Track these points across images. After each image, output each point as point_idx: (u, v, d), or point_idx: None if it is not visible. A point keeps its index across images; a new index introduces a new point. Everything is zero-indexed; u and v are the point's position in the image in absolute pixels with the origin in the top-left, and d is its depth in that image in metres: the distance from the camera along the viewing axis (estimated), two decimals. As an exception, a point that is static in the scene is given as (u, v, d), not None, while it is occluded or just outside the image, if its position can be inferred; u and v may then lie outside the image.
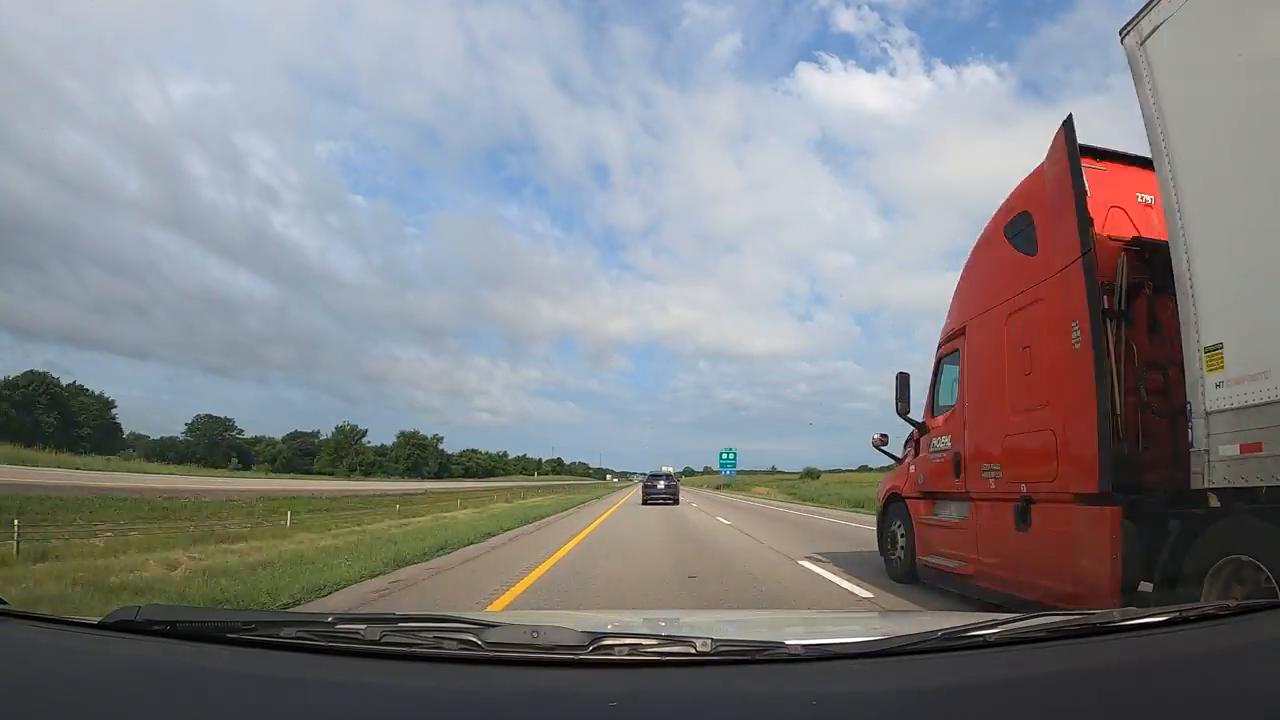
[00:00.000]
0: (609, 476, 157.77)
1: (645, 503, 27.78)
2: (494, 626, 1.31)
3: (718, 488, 60.18)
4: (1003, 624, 1.40)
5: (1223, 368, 3.74)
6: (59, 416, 61.32)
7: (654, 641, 1.32)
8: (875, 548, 8.44)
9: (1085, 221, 4.77)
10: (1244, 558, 3.53)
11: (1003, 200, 6.12)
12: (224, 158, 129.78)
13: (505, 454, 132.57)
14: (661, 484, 29.72)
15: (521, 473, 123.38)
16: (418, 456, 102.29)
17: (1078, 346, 4.71)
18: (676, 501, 28.29)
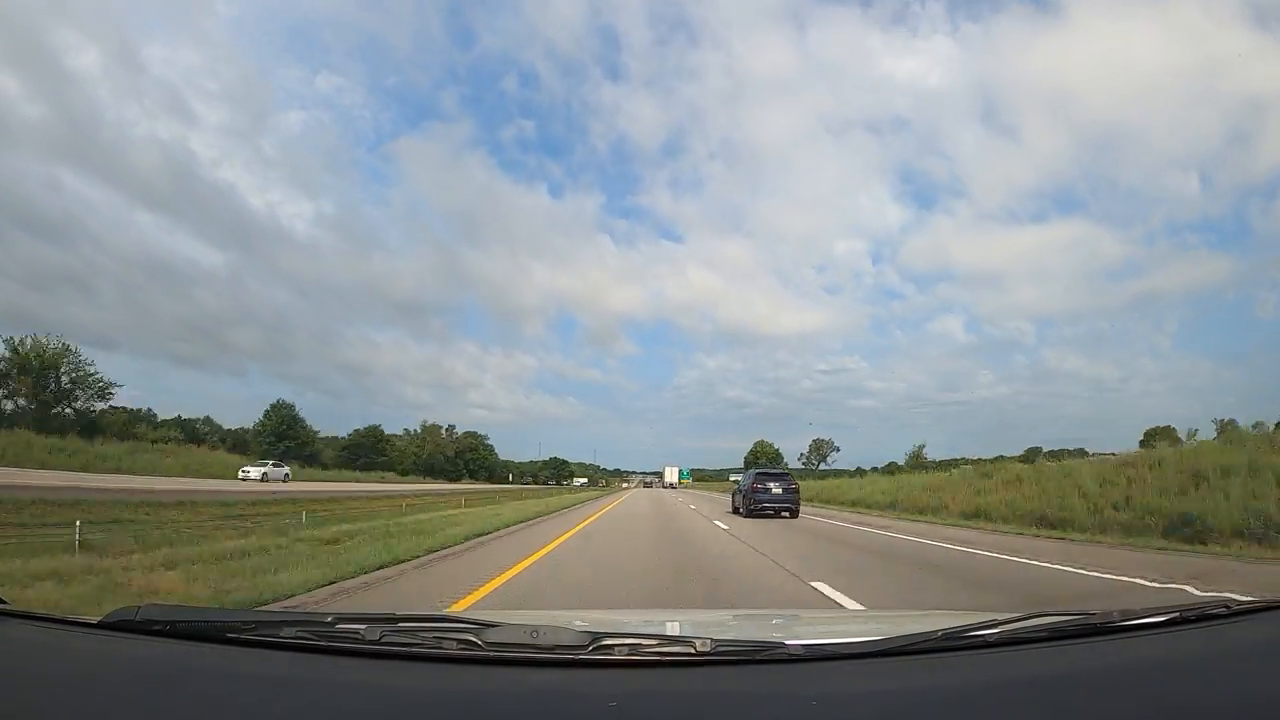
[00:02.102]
0: (571, 480, 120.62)
1: (749, 514, 18.89)
2: (494, 626, 1.31)
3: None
4: (1003, 624, 1.40)
5: None
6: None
7: (654, 641, 1.32)
8: None
9: None
10: None
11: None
12: (110, 46, 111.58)
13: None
14: (775, 487, 19.30)
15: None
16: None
17: None
18: (796, 513, 19.30)
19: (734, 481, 24.07)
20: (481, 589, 6.29)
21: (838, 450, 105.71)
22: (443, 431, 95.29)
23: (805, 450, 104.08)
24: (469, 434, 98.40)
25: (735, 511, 21.04)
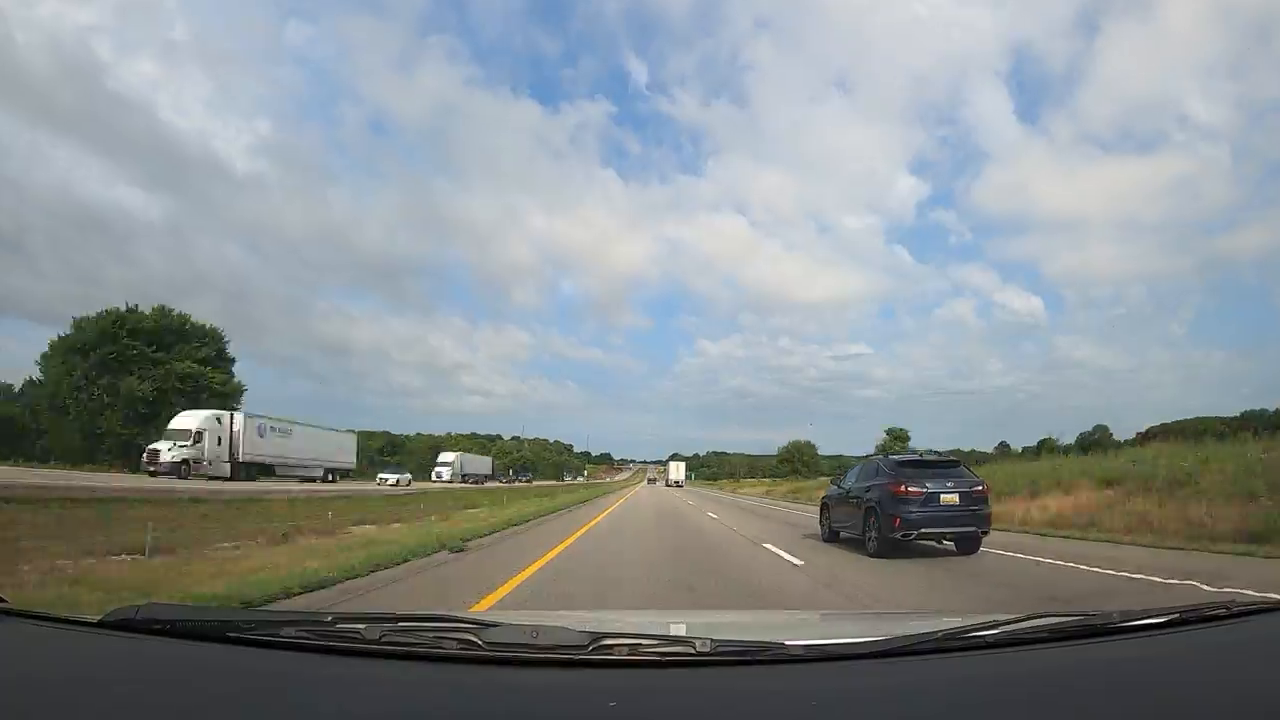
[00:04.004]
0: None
1: (880, 550, 9.32)
2: (494, 626, 1.31)
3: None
4: (1003, 624, 1.40)
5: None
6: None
7: (654, 641, 1.32)
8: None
9: None
10: None
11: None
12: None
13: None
14: (946, 491, 9.38)
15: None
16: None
17: None
18: (978, 544, 9.69)
19: (833, 482, 12.97)
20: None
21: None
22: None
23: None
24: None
25: (831, 538, 11.23)
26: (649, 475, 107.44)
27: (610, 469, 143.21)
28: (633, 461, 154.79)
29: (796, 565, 8.77)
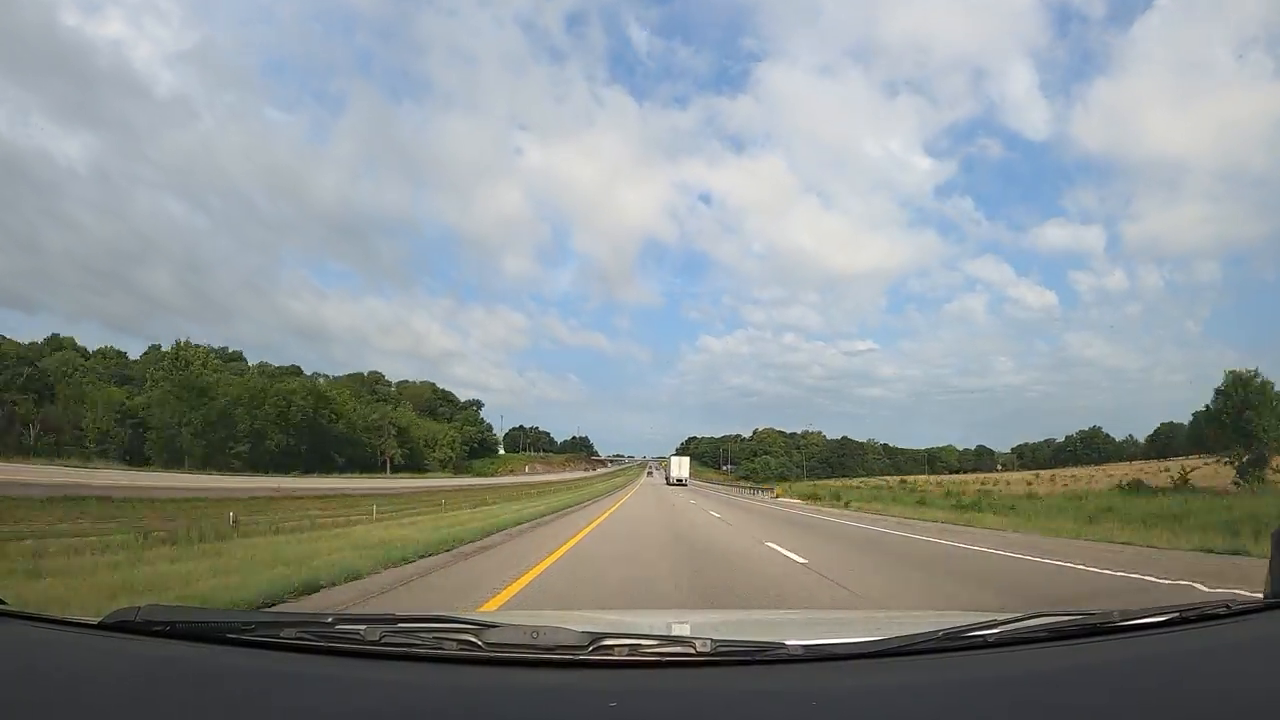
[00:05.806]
0: None
1: None
2: (494, 627, 1.31)
3: None
4: (1003, 624, 1.41)
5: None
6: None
7: (654, 642, 1.32)
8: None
9: None
10: None
11: None
12: None
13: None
14: None
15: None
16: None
17: None
18: None
19: None
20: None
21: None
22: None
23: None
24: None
25: None
26: (649, 470, 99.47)
27: (579, 461, 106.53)
28: (630, 457, 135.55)
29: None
